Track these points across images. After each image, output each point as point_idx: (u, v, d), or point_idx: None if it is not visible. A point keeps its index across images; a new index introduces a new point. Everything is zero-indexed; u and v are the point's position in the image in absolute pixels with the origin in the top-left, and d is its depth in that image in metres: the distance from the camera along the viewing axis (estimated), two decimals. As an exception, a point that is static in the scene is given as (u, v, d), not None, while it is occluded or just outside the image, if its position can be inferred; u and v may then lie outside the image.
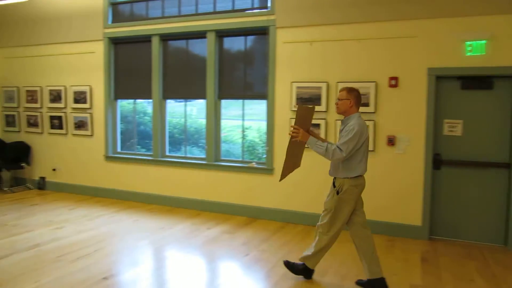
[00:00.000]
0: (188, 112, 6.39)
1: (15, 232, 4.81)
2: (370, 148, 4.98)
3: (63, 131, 7.07)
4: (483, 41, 4.54)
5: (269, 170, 5.56)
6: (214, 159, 5.97)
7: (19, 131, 7.58)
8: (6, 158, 7.31)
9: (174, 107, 6.60)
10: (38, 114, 7.30)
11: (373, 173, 4.96)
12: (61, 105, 7.03)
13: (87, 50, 6.72)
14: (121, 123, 6.82)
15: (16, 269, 3.71)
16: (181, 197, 6.12)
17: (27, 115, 7.43)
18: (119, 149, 6.77)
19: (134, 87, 6.49)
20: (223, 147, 6.08)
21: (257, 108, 5.92)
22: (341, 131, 3.33)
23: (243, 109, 5.83)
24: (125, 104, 6.95)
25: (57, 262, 3.90)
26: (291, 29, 5.34)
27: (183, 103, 6.36)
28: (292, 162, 3.46)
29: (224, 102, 5.96)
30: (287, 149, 3.33)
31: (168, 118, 6.38)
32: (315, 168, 5.24)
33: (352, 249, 4.33)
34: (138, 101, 6.77)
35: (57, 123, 7.10)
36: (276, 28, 5.41)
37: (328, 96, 5.20)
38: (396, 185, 4.95)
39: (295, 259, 4.00)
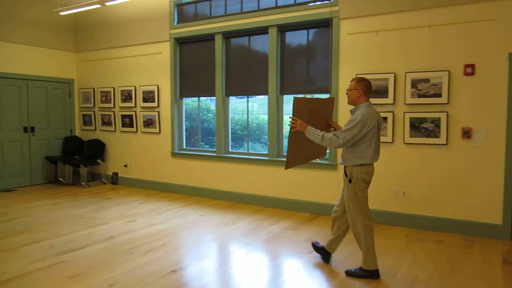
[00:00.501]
0: (250, 108, 6.39)
1: (92, 224, 5.08)
2: (442, 141, 4.64)
3: (133, 129, 7.41)
4: None
5: (332, 166, 5.39)
6: (277, 154, 5.91)
7: (94, 130, 8.08)
8: (84, 155, 7.82)
9: (236, 103, 6.62)
10: (111, 113, 7.72)
11: (447, 167, 4.61)
12: (132, 104, 7.37)
13: (155, 51, 6.97)
14: (186, 121, 6.97)
15: (92, 259, 3.89)
16: (244, 192, 6.13)
17: (102, 115, 7.90)
18: (184, 146, 6.93)
19: (198, 85, 6.60)
20: (285, 142, 6.00)
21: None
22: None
23: (305, 104, 5.69)
24: (189, 102, 7.09)
25: (129, 254, 4.03)
26: (355, 19, 5.13)
27: (244, 100, 6.36)
28: (304, 153, 3.56)
29: (286, 98, 5.89)
30: (288, 139, 3.39)
31: (230, 114, 6.42)
32: (383, 165, 4.99)
33: (425, 249, 4.05)
34: (202, 98, 6.87)
35: (128, 121, 7.45)
36: (339, 20, 5.23)
37: (395, 87, 4.92)
38: (473, 181, 4.55)
39: (359, 259, 3.77)
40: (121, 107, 7.55)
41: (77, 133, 8.36)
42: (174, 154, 6.89)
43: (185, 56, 6.73)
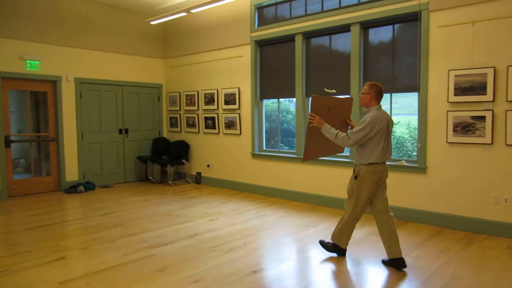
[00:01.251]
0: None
1: (178, 221, 5.27)
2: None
3: (215, 131, 7.60)
4: None
5: (421, 169, 4.99)
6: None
7: (180, 131, 8.44)
8: (170, 155, 8.21)
9: None
10: (195, 115, 8.00)
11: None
12: (214, 107, 7.56)
13: (236, 54, 7.07)
14: (265, 122, 6.99)
15: (178, 255, 4.01)
16: (324, 195, 5.96)
17: (186, 117, 8.22)
18: (264, 147, 6.93)
19: (278, 86, 6.56)
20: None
21: (402, 101, 5.40)
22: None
23: (390, 103, 5.37)
24: (269, 104, 7.12)
25: (212, 251, 4.09)
26: (447, 10, 4.69)
27: None
28: (323, 147, 3.89)
29: None
30: (306, 133, 3.74)
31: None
32: (479, 168, 4.49)
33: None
34: (281, 100, 6.92)
35: (210, 123, 7.66)
36: (429, 12, 4.83)
37: (495, 83, 4.40)
38: None
39: (455, 271, 3.43)
40: (204, 110, 7.79)
41: (165, 134, 8.80)
42: (254, 155, 6.92)
43: (265, 58, 6.75)
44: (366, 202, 3.69)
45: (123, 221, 5.30)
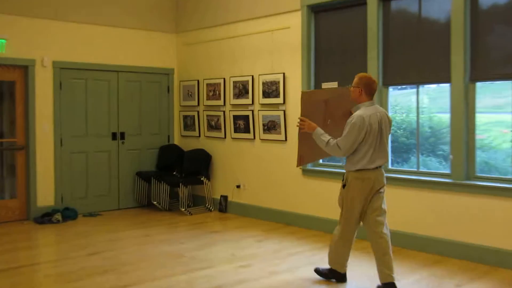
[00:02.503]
0: (419, 104, 6.08)
1: (194, 267, 5.24)
2: None
3: (249, 135, 7.56)
4: None
5: None
6: (466, 175, 5.49)
7: (198, 136, 8.47)
8: (184, 170, 8.22)
9: (396, 97, 6.40)
10: (220, 113, 8.01)
11: None
12: (247, 101, 7.54)
13: (280, 25, 7.05)
14: None
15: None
16: (410, 233, 5.83)
17: (208, 116, 8.23)
18: (320, 161, 6.85)
19: (342, 71, 6.51)
20: (480, 156, 5.52)
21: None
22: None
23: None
24: None
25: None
26: None
27: (410, 91, 6.25)
28: (318, 149, 4.55)
29: (479, 86, 5.49)
30: (298, 138, 4.63)
31: (390, 113, 6.18)
32: None
33: None
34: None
35: (242, 124, 7.63)
36: None
37: None
38: None
39: None
40: (234, 105, 7.77)
41: (176, 140, 8.86)
42: (306, 172, 6.85)
43: (323, 30, 6.70)
44: (357, 216, 4.49)
45: (116, 266, 5.30)
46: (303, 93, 4.53)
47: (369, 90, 4.42)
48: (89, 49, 7.91)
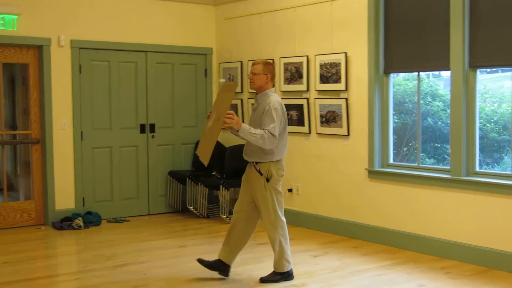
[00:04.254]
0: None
1: (237, 286, 5.30)
2: None
3: (303, 129, 7.53)
4: None
5: None
6: None
7: (242, 129, 8.47)
8: (225, 170, 8.25)
9: (486, 82, 6.30)
10: (268, 102, 7.98)
11: None
12: (301, 86, 7.50)
13: (342, -6, 7.00)
14: (393, 115, 6.86)
15: None
16: (507, 251, 5.66)
17: (253, 105, 8.19)
18: (391, 160, 6.82)
19: (418, 50, 6.46)
20: None
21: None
22: (255, 109, 5.22)
23: None
24: (400, 82, 6.92)
25: None
26: None
27: (502, 75, 6.26)
28: (207, 138, 5.36)
29: None
30: (211, 134, 5.24)
31: (478, 103, 6.09)
32: None
33: None
34: (424, 75, 6.72)
35: (295, 115, 7.60)
36: None
37: None
38: None
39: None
40: (285, 92, 7.76)
41: (215, 134, 8.89)
42: (373, 174, 6.82)
43: (395, 1, 6.62)
44: (282, 199, 5.30)
45: (145, 281, 5.37)
46: (224, 85, 5.75)
47: (273, 77, 5.25)
48: (113, 25, 8.03)
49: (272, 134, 4.91)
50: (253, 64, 5.26)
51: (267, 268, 5.76)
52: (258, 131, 4.90)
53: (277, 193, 5.19)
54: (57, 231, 7.37)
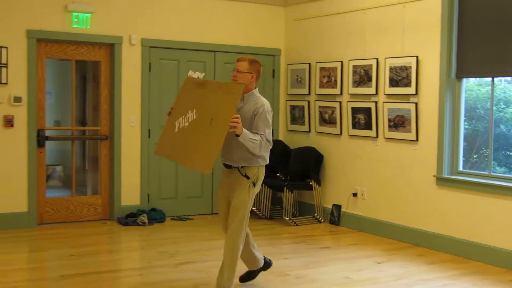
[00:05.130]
0: None
1: (299, 288, 5.33)
2: None
3: (371, 133, 7.50)
4: None
5: None
6: None
7: (308, 131, 8.52)
8: (289, 172, 8.28)
9: None
10: (335, 105, 8.00)
11: None
12: (370, 90, 7.48)
13: (413, -4, 6.96)
14: (464, 121, 6.78)
15: None
16: None
17: (320, 107, 8.24)
18: (460, 167, 6.73)
19: (494, 54, 6.36)
20: None
21: None
22: (239, 109, 4.77)
23: None
24: (472, 87, 6.83)
25: None
26: None
27: None
28: (183, 149, 5.00)
29: None
30: (211, 139, 4.68)
31: None
32: None
33: None
34: (498, 80, 6.59)
35: (363, 119, 7.58)
36: None
37: None
38: None
39: None
40: (353, 95, 7.75)
41: (281, 136, 8.97)
42: (441, 181, 6.74)
43: (471, 1, 6.54)
44: None
45: (208, 280, 5.45)
46: (188, 78, 5.15)
47: (258, 77, 4.96)
48: (182, 25, 8.20)
49: (268, 141, 4.75)
50: (238, 60, 4.93)
51: (328, 273, 5.87)
52: (256, 137, 4.66)
53: (253, 200, 4.95)
54: (122, 227, 7.59)
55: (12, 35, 7.15)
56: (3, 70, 7.06)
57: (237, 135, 4.52)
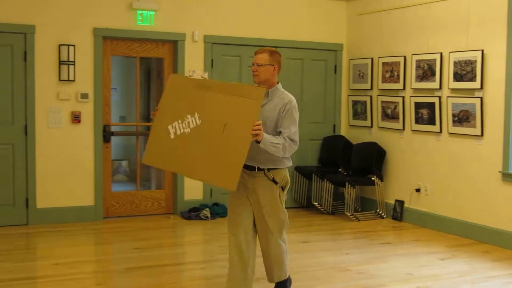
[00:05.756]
0: None
1: (361, 284, 5.34)
2: None
3: (434, 128, 7.45)
4: None
5: None
6: None
7: (370, 127, 8.54)
8: (351, 167, 8.33)
9: None
10: (398, 99, 7.99)
11: None
12: (434, 84, 7.43)
13: (480, -12, 6.88)
14: None
15: None
16: None
17: (383, 102, 8.25)
18: None
19: None
20: None
21: None
22: (263, 106, 4.29)
23: None
24: None
25: None
26: None
27: None
28: (185, 158, 4.39)
29: None
30: (233, 152, 4.16)
31: None
32: None
33: None
34: None
35: (426, 114, 7.54)
36: None
37: None
38: None
39: None
40: (416, 90, 7.73)
41: (343, 131, 9.01)
42: (507, 177, 6.66)
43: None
44: None
45: (270, 275, 5.56)
46: (173, 76, 4.68)
47: (280, 68, 4.52)
48: (244, 21, 8.31)
49: (293, 140, 4.34)
50: (256, 53, 4.49)
51: (390, 268, 5.88)
52: (279, 140, 4.23)
53: (283, 202, 4.53)
54: (184, 221, 7.76)
55: (79, 34, 7.41)
56: (71, 68, 7.31)
57: (258, 142, 4.12)
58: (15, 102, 7.17)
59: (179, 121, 4.35)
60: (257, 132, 4.06)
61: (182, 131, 4.34)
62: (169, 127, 4.39)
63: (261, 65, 4.40)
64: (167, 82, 4.58)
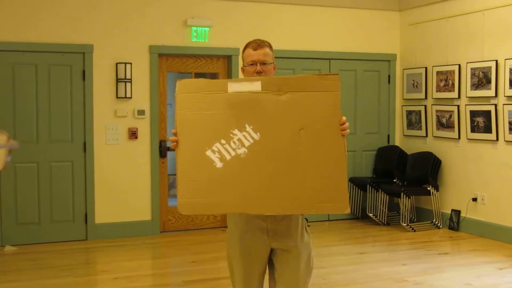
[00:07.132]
0: None
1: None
2: None
3: (490, 136, 7.43)
4: None
5: None
6: None
7: (425, 136, 8.54)
8: (406, 177, 8.35)
9: None
10: (453, 108, 7.99)
11: None
12: (489, 92, 7.41)
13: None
14: None
15: None
16: None
17: (437, 111, 8.26)
18: None
19: None
20: None
21: None
22: None
23: None
24: None
25: None
26: None
27: None
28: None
29: None
30: (335, 165, 3.20)
31: None
32: None
33: None
34: None
35: (482, 122, 7.53)
36: None
37: None
38: None
39: None
40: (471, 98, 7.72)
41: (397, 141, 9.04)
42: None
43: None
44: None
45: (326, 287, 5.64)
46: (181, 83, 3.13)
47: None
48: (296, 34, 8.43)
49: None
50: (255, 49, 3.42)
51: (447, 279, 5.88)
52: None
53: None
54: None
55: (135, 51, 7.67)
56: (128, 85, 7.56)
57: None
58: (74, 120, 7.43)
59: (223, 142, 3.10)
60: (347, 130, 3.17)
61: (234, 153, 3.10)
62: (208, 153, 3.11)
63: (269, 63, 3.45)
64: (176, 94, 3.12)
